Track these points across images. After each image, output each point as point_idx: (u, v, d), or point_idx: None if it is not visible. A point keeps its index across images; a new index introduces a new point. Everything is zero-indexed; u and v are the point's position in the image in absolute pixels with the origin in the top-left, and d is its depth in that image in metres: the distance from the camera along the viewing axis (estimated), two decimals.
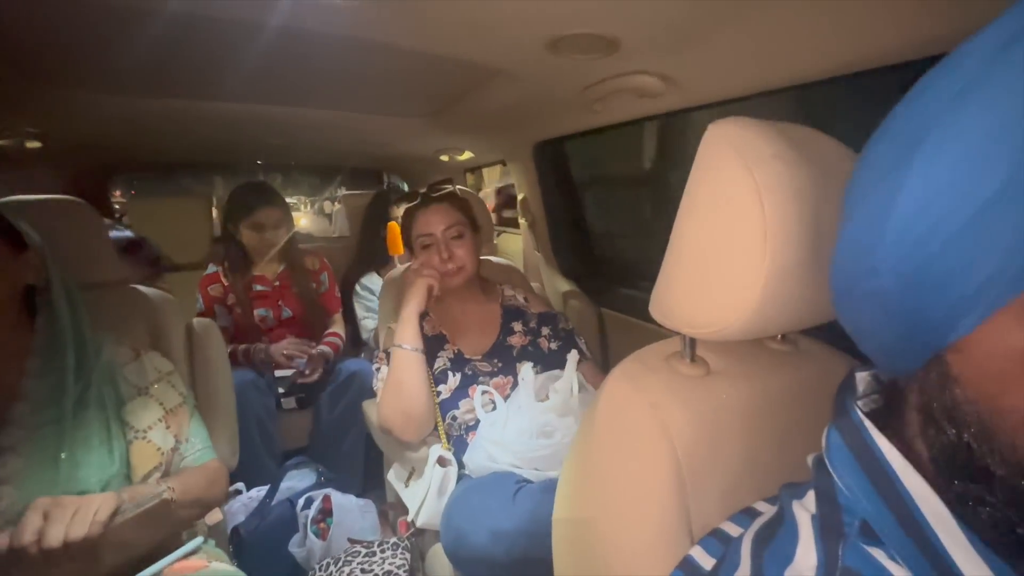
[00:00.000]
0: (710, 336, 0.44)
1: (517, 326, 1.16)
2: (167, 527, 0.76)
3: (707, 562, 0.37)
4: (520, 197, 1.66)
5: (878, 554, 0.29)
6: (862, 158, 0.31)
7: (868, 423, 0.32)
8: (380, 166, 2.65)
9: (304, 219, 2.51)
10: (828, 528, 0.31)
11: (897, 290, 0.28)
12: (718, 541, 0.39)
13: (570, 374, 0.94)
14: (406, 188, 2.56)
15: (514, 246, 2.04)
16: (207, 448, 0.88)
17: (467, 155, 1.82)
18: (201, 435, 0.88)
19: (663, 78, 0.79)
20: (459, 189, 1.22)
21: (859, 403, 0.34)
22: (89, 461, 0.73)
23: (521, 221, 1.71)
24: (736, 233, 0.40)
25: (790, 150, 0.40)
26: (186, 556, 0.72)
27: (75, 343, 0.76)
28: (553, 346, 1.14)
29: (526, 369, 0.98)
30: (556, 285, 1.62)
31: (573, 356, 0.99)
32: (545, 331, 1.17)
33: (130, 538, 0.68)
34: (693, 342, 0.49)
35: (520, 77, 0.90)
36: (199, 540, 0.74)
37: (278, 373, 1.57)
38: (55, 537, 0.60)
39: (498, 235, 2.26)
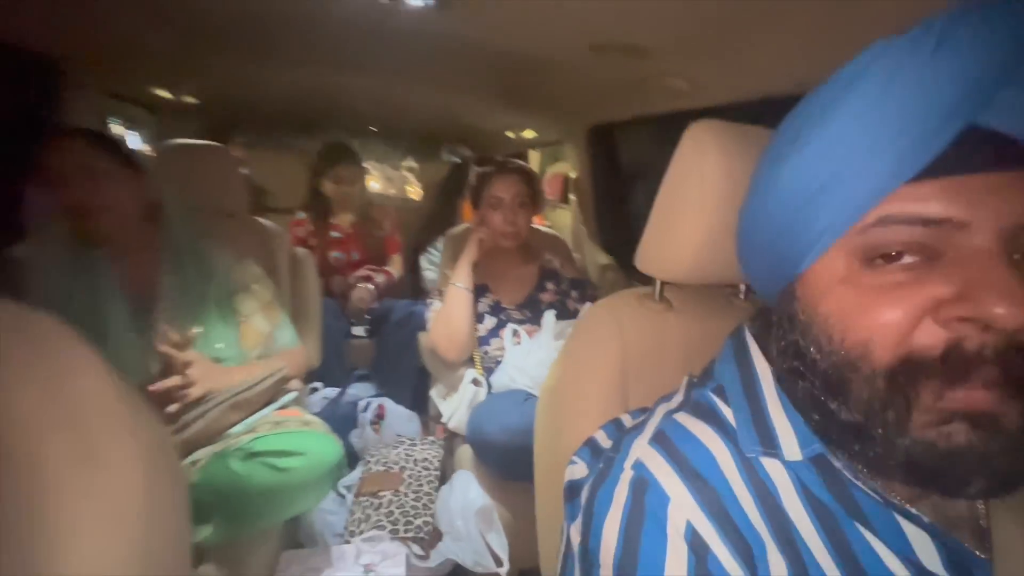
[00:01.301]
0: (667, 277, 0.61)
1: (550, 286, 1.36)
2: (273, 396, 1.05)
3: (605, 443, 0.53)
4: (572, 175, 1.83)
5: (719, 402, 0.46)
6: (764, 150, 0.45)
7: (747, 333, 0.48)
8: (449, 137, 2.90)
9: (375, 182, 2.84)
10: (688, 392, 0.49)
11: (771, 237, 0.39)
12: (615, 428, 0.56)
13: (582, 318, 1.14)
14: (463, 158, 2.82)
15: (564, 221, 2.22)
16: (294, 338, 1.16)
17: (529, 133, 2.00)
18: (289, 327, 1.15)
19: (689, 80, 0.94)
20: (528, 167, 1.42)
21: (748, 325, 0.51)
22: (215, 335, 1.01)
23: (571, 197, 1.88)
24: (691, 201, 0.56)
25: (740, 145, 0.56)
26: (282, 407, 1.01)
27: (190, 251, 1.03)
28: (579, 307, 1.33)
29: (549, 315, 1.18)
30: (596, 258, 1.79)
31: (587, 307, 1.18)
32: (574, 293, 1.36)
33: (249, 402, 0.96)
34: (661, 285, 0.67)
35: (569, 69, 1.07)
36: (293, 395, 1.03)
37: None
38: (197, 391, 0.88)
39: (552, 209, 2.44)
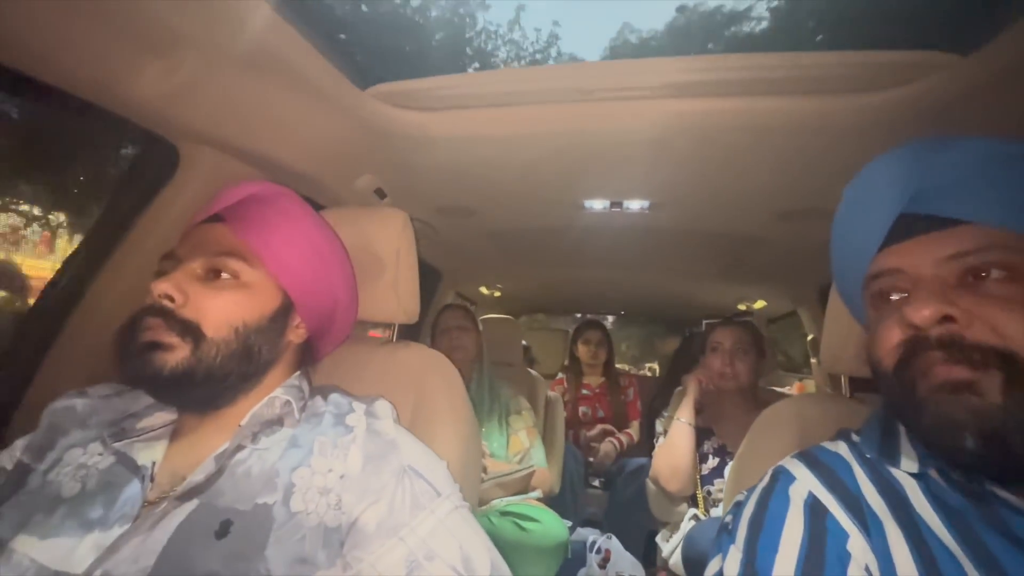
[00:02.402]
0: (845, 370, 0.72)
1: None
2: (524, 487, 1.35)
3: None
4: (810, 338, 1.81)
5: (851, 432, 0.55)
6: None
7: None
8: (685, 318, 3.18)
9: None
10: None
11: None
12: None
13: None
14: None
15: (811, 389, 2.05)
16: (544, 459, 1.47)
17: (760, 303, 2.12)
18: (542, 449, 1.48)
19: None
20: (752, 321, 1.58)
21: None
22: (492, 437, 1.42)
23: (812, 361, 1.82)
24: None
25: None
26: (528, 499, 1.28)
27: (488, 381, 1.54)
28: None
29: None
30: None
31: None
32: None
33: (509, 485, 1.29)
34: (848, 380, 0.75)
35: (770, 240, 1.30)
36: (538, 493, 1.29)
37: (591, 458, 2.14)
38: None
39: (801, 379, 2.28)
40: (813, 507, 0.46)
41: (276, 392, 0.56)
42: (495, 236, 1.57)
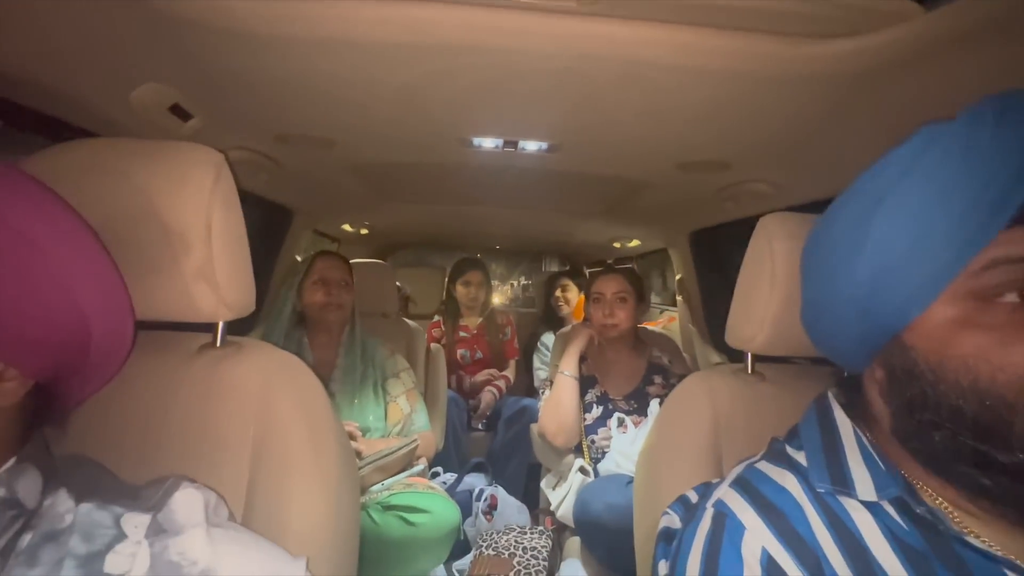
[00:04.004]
0: (750, 348, 0.68)
1: (658, 379, 1.40)
2: (406, 464, 1.22)
3: (696, 499, 0.56)
4: (678, 277, 1.92)
5: (792, 449, 0.50)
6: (822, 227, 0.50)
7: (831, 396, 0.52)
8: (561, 252, 3.24)
9: (496, 295, 3.34)
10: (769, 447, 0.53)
11: (858, 305, 0.42)
12: (704, 488, 0.59)
13: None
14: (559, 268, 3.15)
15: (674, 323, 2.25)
16: (427, 422, 1.35)
17: (635, 242, 2.18)
18: (424, 412, 1.36)
19: (771, 184, 1.05)
20: (633, 268, 1.57)
21: (832, 391, 0.54)
22: (368, 408, 1.25)
23: (678, 298, 1.95)
24: (764, 278, 0.65)
25: (805, 231, 0.65)
26: (412, 475, 1.16)
27: (360, 343, 1.34)
28: None
29: (654, 404, 1.22)
30: (707, 356, 1.78)
31: None
32: None
33: (389, 466, 1.14)
34: (752, 358, 0.72)
35: (663, 186, 1.25)
36: (422, 466, 1.18)
37: (471, 401, 2.09)
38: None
39: (661, 312, 2.49)
40: (769, 569, 0.40)
41: None
42: (361, 171, 1.27)
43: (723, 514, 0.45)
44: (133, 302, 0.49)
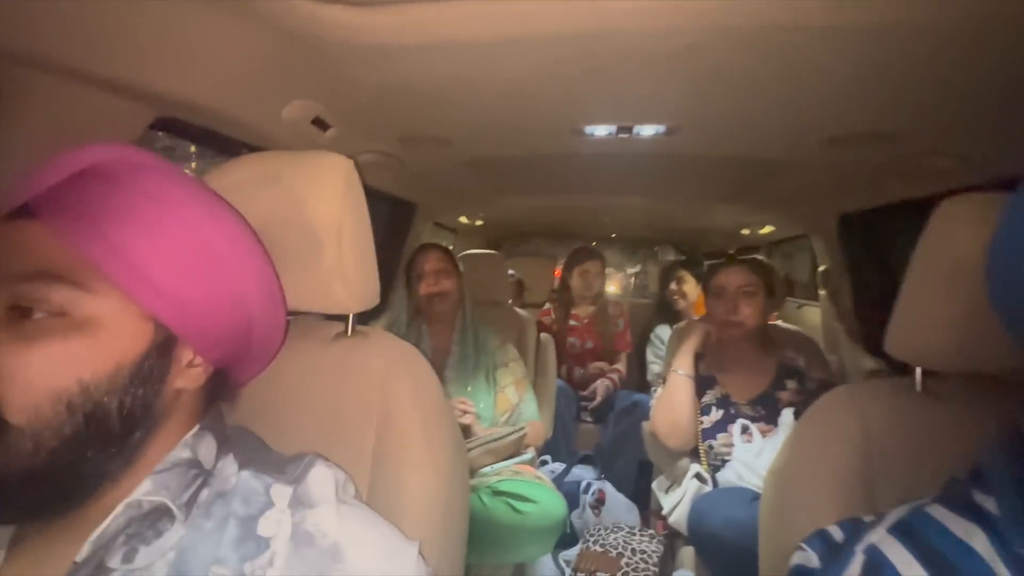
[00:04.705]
0: (921, 362, 0.56)
1: (791, 384, 1.25)
2: (515, 451, 1.26)
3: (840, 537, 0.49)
4: (821, 268, 1.67)
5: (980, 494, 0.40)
6: None
7: None
8: (681, 240, 3.02)
9: (609, 284, 3.24)
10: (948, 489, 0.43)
11: None
12: (852, 525, 0.50)
13: None
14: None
15: (817, 318, 1.97)
16: (536, 412, 1.37)
17: (768, 229, 1.94)
18: (533, 402, 1.38)
19: (953, 157, 0.84)
20: (761, 258, 1.41)
21: None
22: (479, 395, 1.30)
23: (821, 293, 1.70)
24: (941, 277, 0.53)
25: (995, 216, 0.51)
26: (521, 462, 1.19)
27: (472, 331, 1.39)
28: None
29: (787, 413, 1.08)
30: (858, 361, 1.53)
31: None
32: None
33: (499, 450, 1.18)
34: (922, 373, 0.60)
35: (807, 165, 1.08)
36: (530, 455, 1.20)
37: (581, 392, 2.07)
38: (467, 419, 1.16)
39: (799, 307, 2.20)
40: None
41: (142, 489, 0.38)
42: (476, 166, 1.32)
43: (878, 566, 0.38)
44: (292, 294, 0.56)
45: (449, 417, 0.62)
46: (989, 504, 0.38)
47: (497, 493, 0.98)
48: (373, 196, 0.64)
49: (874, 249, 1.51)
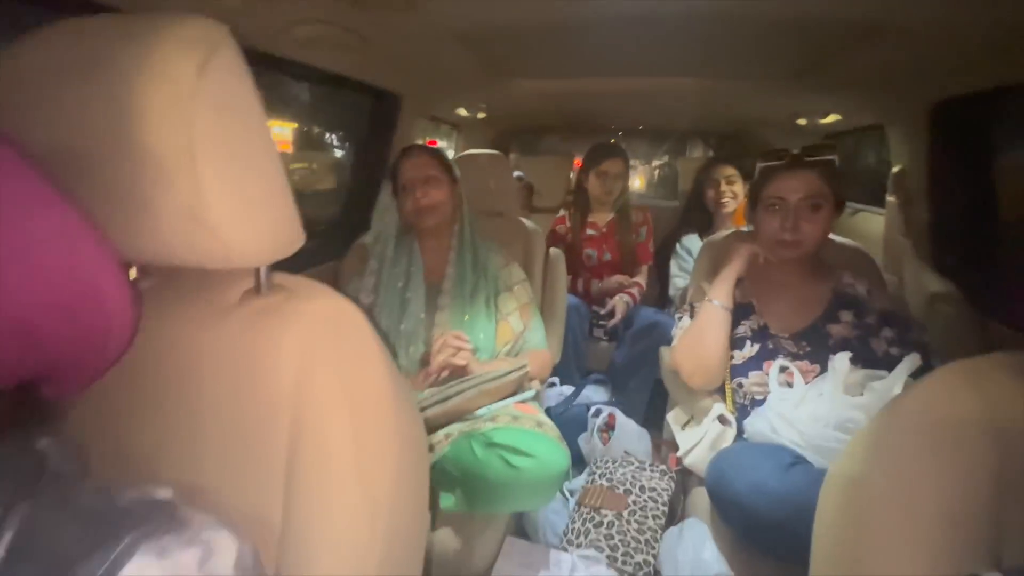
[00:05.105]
0: None
1: (846, 316, 1.04)
2: (516, 389, 1.12)
3: None
4: (895, 169, 1.36)
5: None
6: None
7: None
8: (719, 132, 2.60)
9: (636, 180, 2.86)
10: None
11: None
12: None
13: (901, 376, 0.81)
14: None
15: (874, 228, 1.68)
16: (543, 340, 1.22)
17: (832, 118, 1.59)
18: (540, 329, 1.22)
19: None
20: (835, 159, 1.10)
21: None
22: (478, 325, 1.14)
23: (889, 199, 1.41)
24: None
25: None
26: (522, 402, 1.06)
27: (471, 249, 1.19)
28: (893, 351, 0.96)
29: (841, 357, 0.89)
30: (923, 282, 1.30)
31: (914, 359, 0.84)
32: (887, 333, 1.00)
33: (497, 390, 1.04)
34: None
35: (906, 30, 0.76)
36: (532, 392, 1.07)
37: (595, 308, 1.91)
38: (462, 359, 1.01)
39: (854, 214, 1.90)
40: None
41: None
42: (464, 39, 1.01)
43: None
44: (131, 246, 0.37)
45: (396, 407, 0.45)
46: None
47: (491, 445, 0.86)
48: (342, 87, 0.41)
49: (973, 149, 1.19)
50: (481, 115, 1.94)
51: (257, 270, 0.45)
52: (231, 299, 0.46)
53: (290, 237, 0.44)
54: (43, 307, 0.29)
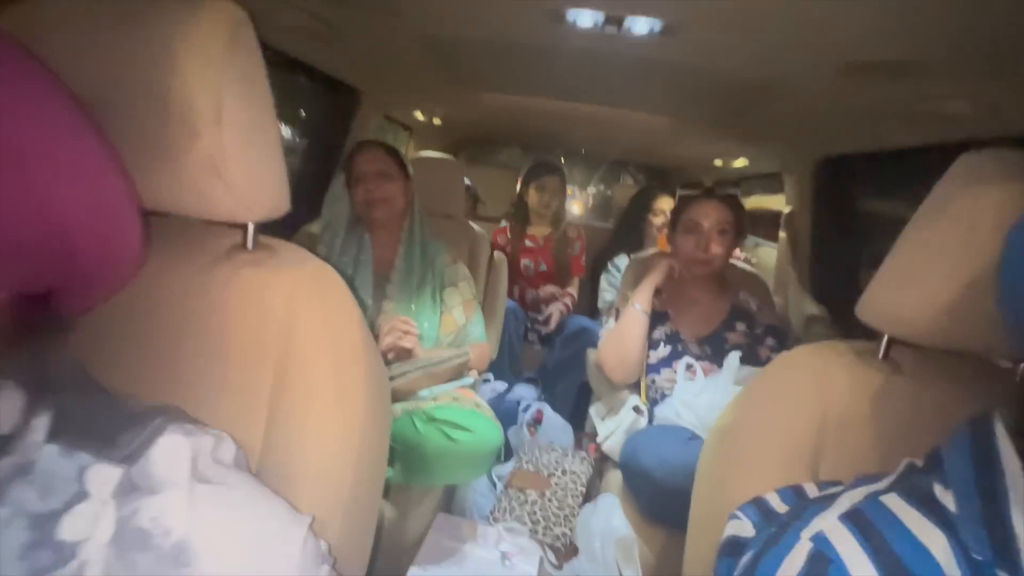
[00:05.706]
0: (899, 333, 0.51)
1: (741, 326, 1.24)
2: (456, 374, 1.20)
3: (780, 507, 0.47)
4: (787, 211, 1.63)
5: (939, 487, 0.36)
6: None
7: (998, 421, 0.37)
8: (648, 164, 2.88)
9: (575, 206, 3.13)
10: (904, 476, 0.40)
11: None
12: (794, 494, 0.48)
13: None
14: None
15: (768, 260, 1.97)
16: (483, 334, 1.30)
17: (741, 162, 1.85)
18: (481, 324, 1.31)
19: (977, 104, 0.75)
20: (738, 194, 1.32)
21: (999, 411, 0.38)
22: (424, 315, 1.21)
23: (781, 235, 1.67)
24: (952, 244, 0.45)
25: None
26: (461, 387, 1.14)
27: (420, 244, 1.25)
28: (773, 356, 1.17)
29: (733, 356, 1.07)
30: (802, 306, 1.55)
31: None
32: (770, 341, 1.20)
33: (440, 374, 1.11)
34: (888, 342, 0.55)
35: (808, 93, 0.96)
36: (472, 379, 1.15)
37: (532, 313, 2.03)
38: (409, 342, 1.07)
39: (756, 246, 2.20)
40: None
41: None
42: (434, 46, 1.10)
43: (826, 559, 0.33)
44: (146, 191, 0.41)
45: (370, 358, 0.52)
46: (948, 500, 0.34)
47: (432, 420, 0.93)
48: (304, 75, 0.47)
49: (847, 200, 1.47)
50: (437, 121, 2.02)
51: (246, 226, 0.50)
52: (218, 251, 0.50)
53: (283, 199, 0.50)
54: (79, 223, 0.33)
